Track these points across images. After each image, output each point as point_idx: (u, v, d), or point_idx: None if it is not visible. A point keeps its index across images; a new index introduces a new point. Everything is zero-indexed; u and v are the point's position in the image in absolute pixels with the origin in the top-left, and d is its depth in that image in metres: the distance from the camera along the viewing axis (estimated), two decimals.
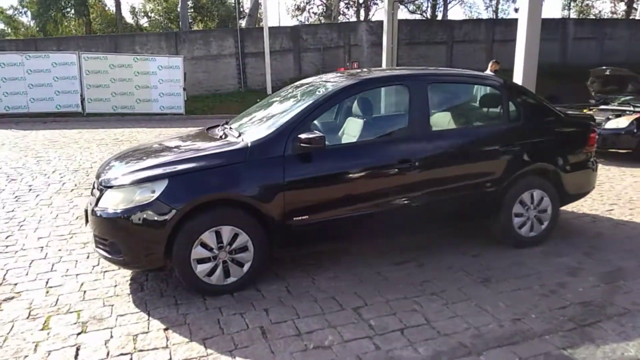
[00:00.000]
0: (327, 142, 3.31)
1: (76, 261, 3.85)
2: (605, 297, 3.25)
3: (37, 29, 31.48)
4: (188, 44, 19.10)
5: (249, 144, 3.33)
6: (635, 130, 7.72)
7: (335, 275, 3.59)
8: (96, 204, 3.25)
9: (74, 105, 14.55)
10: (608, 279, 3.52)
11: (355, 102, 4.04)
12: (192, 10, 31.45)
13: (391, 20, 13.82)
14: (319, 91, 3.77)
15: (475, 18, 32.52)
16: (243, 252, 3.25)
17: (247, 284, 3.33)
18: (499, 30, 21.62)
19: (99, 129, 11.88)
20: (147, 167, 3.30)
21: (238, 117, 4.43)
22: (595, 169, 4.51)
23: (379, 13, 31.29)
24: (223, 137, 3.71)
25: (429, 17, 32.06)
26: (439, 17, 31.48)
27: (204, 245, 3.15)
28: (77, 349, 2.66)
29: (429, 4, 32.82)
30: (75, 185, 6.26)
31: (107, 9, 34.62)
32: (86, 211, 3.45)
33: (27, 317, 2.99)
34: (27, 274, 3.61)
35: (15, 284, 3.44)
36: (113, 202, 3.17)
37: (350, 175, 3.49)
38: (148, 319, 2.97)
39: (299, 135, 3.26)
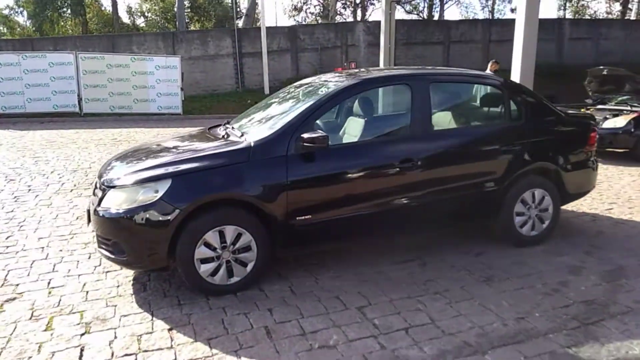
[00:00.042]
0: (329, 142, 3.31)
1: (78, 261, 3.84)
2: (607, 295, 3.26)
3: (34, 28, 31.32)
4: (185, 44, 19.07)
5: (252, 144, 3.32)
6: (632, 130, 7.77)
7: (338, 274, 3.59)
8: (99, 204, 3.24)
9: (71, 106, 14.48)
10: (610, 278, 3.54)
11: (357, 101, 4.04)
12: (189, 10, 31.37)
13: (389, 21, 13.84)
14: (321, 91, 3.77)
15: (471, 18, 32.62)
16: (246, 251, 3.25)
17: (250, 284, 3.33)
18: (495, 31, 21.69)
19: (96, 129, 11.83)
20: (150, 167, 3.29)
21: (239, 116, 4.42)
22: (596, 168, 4.53)
23: (375, 13, 31.38)
24: (225, 136, 3.71)
25: (425, 17, 32.12)
26: (436, 17, 31.53)
27: (207, 245, 3.14)
28: (82, 350, 2.64)
29: (426, 4, 32.94)
30: (75, 185, 6.24)
31: (103, 8, 34.53)
32: (88, 211, 3.44)
33: (30, 318, 2.97)
34: (28, 275, 3.59)
35: (17, 285, 3.43)
36: (116, 202, 3.16)
37: (353, 174, 3.49)
38: (152, 319, 2.96)
39: (302, 135, 3.26)
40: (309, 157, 3.32)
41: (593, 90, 9.60)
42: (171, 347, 2.68)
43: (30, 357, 2.58)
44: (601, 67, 9.47)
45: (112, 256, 3.21)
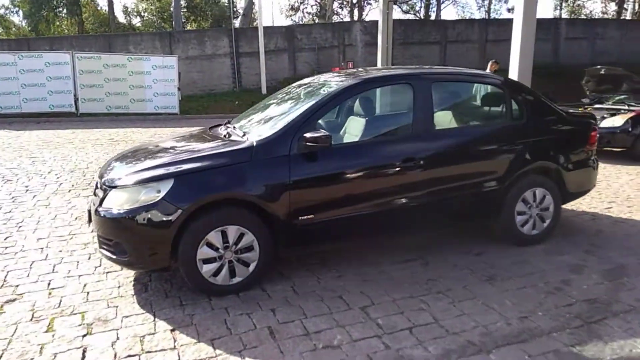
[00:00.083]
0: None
1: (77, 262, 3.81)
2: (609, 294, 3.27)
3: (29, 28, 31.14)
4: (182, 44, 19.02)
5: (255, 143, 3.31)
6: (630, 129, 7.81)
7: (341, 274, 3.59)
8: (100, 204, 3.22)
9: (68, 105, 14.43)
10: (611, 276, 3.54)
11: (358, 101, 4.04)
12: (185, 10, 31.29)
13: (386, 20, 13.82)
14: (323, 90, 3.76)
15: (468, 18, 32.67)
16: (249, 251, 3.23)
17: (252, 284, 3.32)
18: (492, 30, 21.76)
19: (93, 129, 11.78)
20: (152, 167, 3.27)
21: (240, 116, 4.41)
22: (596, 167, 4.54)
23: (372, 13, 31.45)
24: (227, 136, 3.69)
25: (422, 17, 32.16)
26: (433, 17, 31.57)
27: (209, 245, 3.13)
28: (84, 351, 2.62)
29: (422, 4, 32.96)
30: (72, 185, 6.20)
31: (99, 8, 34.40)
32: (89, 211, 3.42)
33: (31, 319, 2.95)
34: (28, 276, 3.57)
35: (17, 286, 3.40)
36: (117, 202, 3.14)
37: (355, 174, 3.48)
38: (154, 320, 2.94)
39: (305, 135, 3.25)
40: (312, 156, 3.31)
41: (590, 90, 9.64)
42: (174, 347, 2.66)
43: (32, 359, 2.56)
44: (599, 66, 9.52)
45: (114, 257, 3.19)
